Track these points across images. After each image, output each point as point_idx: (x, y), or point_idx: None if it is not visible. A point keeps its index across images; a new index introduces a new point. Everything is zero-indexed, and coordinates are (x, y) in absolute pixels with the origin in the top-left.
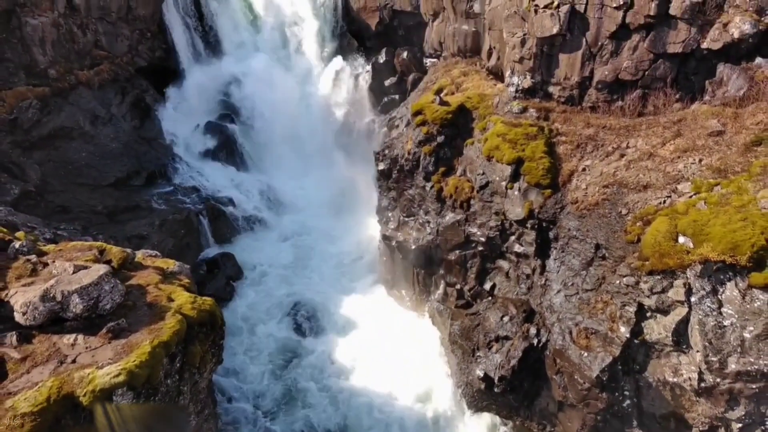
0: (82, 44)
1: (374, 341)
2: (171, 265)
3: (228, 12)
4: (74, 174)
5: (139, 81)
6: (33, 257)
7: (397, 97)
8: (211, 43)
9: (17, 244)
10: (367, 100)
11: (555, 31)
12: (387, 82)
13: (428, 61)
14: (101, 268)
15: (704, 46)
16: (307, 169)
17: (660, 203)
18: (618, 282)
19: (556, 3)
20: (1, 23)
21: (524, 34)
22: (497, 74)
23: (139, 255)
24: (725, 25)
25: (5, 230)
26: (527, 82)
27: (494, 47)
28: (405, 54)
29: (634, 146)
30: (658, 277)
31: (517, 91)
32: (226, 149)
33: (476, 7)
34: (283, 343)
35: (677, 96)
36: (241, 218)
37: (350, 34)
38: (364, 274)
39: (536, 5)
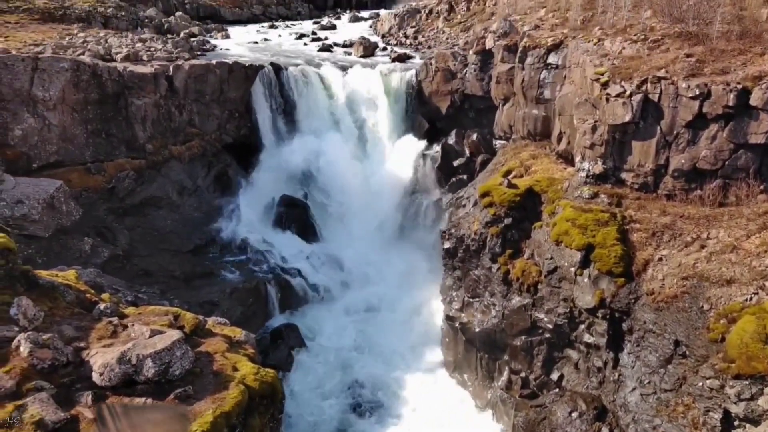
0: (178, 122)
1: (433, 427)
2: (238, 334)
3: (309, 94)
4: (159, 240)
5: (224, 156)
6: (114, 319)
7: (465, 177)
8: (291, 122)
9: (102, 306)
10: (435, 179)
11: (627, 119)
12: (455, 163)
13: (497, 143)
14: (174, 334)
15: None
16: (375, 245)
17: (746, 300)
18: (701, 384)
19: (628, 92)
20: (111, 104)
21: (595, 121)
22: (567, 158)
23: (210, 322)
24: None
25: (93, 291)
26: (598, 168)
27: (564, 132)
28: (474, 136)
29: (715, 237)
30: (746, 382)
31: (587, 176)
32: (298, 222)
33: (546, 94)
34: (339, 422)
35: (761, 187)
36: (308, 289)
37: (422, 116)
38: (426, 355)
39: (608, 94)
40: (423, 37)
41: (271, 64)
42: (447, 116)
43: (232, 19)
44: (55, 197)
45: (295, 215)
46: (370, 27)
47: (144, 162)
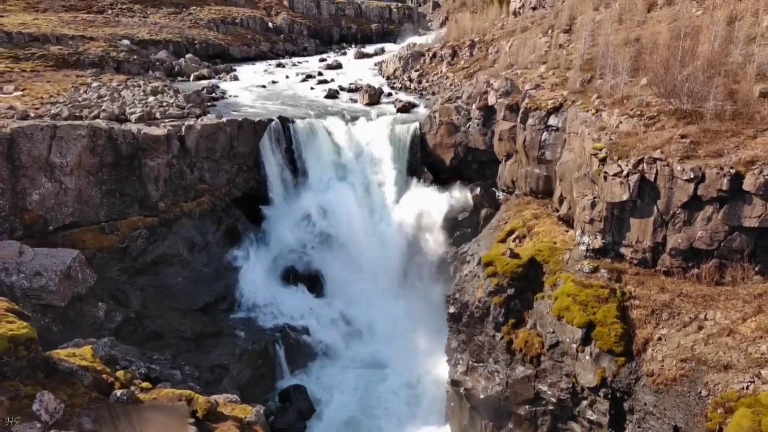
0: (189, 180)
1: None
2: (249, 413)
3: (315, 147)
4: (170, 299)
5: (233, 210)
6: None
7: (468, 230)
8: (298, 174)
9: (118, 393)
10: (439, 231)
11: (625, 198)
12: (460, 216)
13: (501, 195)
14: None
15: None
16: (381, 298)
17: (742, 388)
18: None
19: (625, 172)
20: (125, 165)
21: (594, 197)
22: (568, 222)
23: (221, 400)
24: None
25: (108, 370)
26: (598, 243)
27: (565, 197)
28: (478, 190)
29: (712, 319)
30: None
31: (587, 250)
32: (305, 276)
33: (548, 155)
34: None
35: (756, 269)
36: (315, 347)
37: (426, 167)
38: (432, 417)
39: (605, 172)
40: (427, 81)
41: (279, 117)
42: (451, 167)
43: (241, 57)
44: (71, 267)
45: (302, 269)
46: (375, 66)
47: (156, 219)
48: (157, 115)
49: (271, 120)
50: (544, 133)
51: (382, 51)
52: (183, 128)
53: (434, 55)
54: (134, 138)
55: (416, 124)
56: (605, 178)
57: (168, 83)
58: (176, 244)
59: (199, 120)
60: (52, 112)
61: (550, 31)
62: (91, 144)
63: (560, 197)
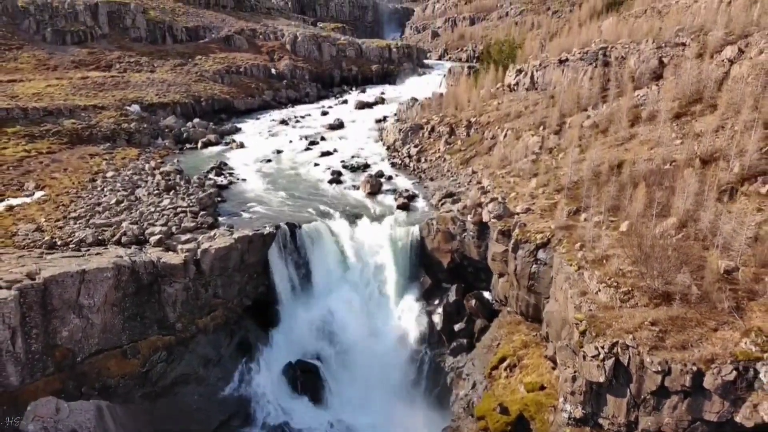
0: (204, 299)
1: None
2: None
3: (320, 251)
4: (187, 419)
5: (244, 322)
6: None
7: (464, 341)
8: (305, 278)
9: None
10: (437, 337)
11: (602, 380)
12: (456, 327)
13: (495, 303)
14: None
15: (737, 420)
16: (385, 405)
17: None
18: None
19: (601, 356)
20: (146, 291)
21: (575, 371)
22: (554, 361)
23: None
24: (755, 405)
25: None
26: (579, 413)
27: (552, 341)
28: (473, 302)
29: None
30: None
31: (569, 418)
32: (312, 386)
33: (537, 287)
34: None
35: None
36: None
37: (424, 269)
38: None
39: (584, 352)
40: (425, 161)
41: (287, 223)
42: (448, 269)
43: (245, 109)
44: (104, 417)
45: (310, 380)
46: (377, 124)
47: (174, 338)
48: (174, 229)
49: (279, 227)
50: (534, 265)
51: (383, 100)
52: (198, 252)
53: (432, 129)
54: (154, 266)
55: (416, 228)
56: (584, 357)
57: (178, 166)
58: (192, 363)
59: (213, 236)
60: (77, 236)
61: (541, 129)
62: (116, 282)
63: (546, 336)
